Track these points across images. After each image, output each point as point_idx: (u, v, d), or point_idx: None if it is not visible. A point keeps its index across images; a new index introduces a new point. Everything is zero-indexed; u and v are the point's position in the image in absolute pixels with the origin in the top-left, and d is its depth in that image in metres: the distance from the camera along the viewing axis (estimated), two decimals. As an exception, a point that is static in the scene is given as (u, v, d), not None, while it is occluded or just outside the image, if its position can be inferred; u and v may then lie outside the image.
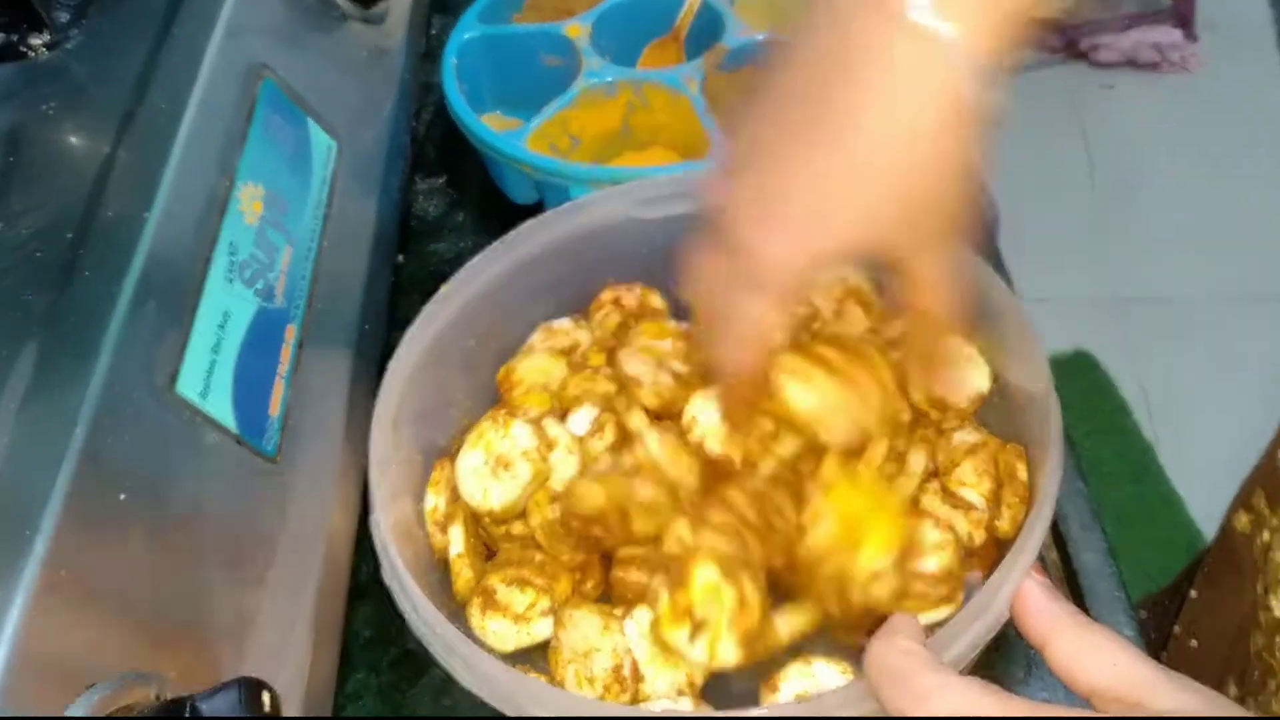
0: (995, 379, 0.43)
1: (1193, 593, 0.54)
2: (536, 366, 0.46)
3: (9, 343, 0.32)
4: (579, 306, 0.49)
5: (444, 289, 0.44)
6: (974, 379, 0.42)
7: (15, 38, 0.41)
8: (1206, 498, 1.48)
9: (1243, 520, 0.49)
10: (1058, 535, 0.44)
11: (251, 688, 0.28)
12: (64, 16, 0.42)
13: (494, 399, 0.47)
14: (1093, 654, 0.27)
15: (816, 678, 0.37)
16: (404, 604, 0.36)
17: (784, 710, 0.35)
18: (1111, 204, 1.76)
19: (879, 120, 0.30)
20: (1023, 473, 0.40)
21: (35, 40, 0.41)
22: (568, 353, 0.47)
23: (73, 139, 0.39)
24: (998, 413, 0.43)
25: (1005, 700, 0.26)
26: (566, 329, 0.48)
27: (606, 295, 0.49)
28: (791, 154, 0.31)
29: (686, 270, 0.35)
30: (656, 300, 0.49)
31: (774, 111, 0.32)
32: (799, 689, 0.37)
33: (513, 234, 0.46)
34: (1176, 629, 0.55)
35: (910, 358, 0.38)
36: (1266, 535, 0.47)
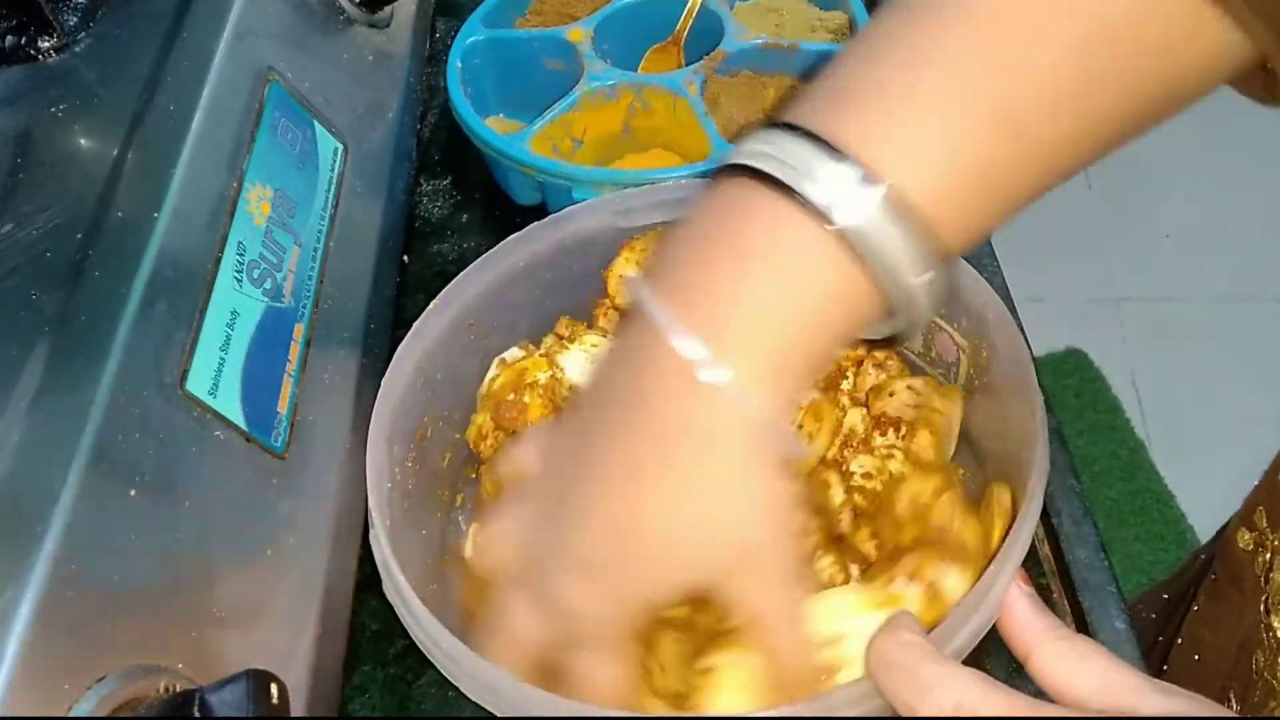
0: (982, 374, 0.44)
1: (1195, 606, 0.54)
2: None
3: (20, 342, 0.32)
4: (568, 315, 0.50)
5: (433, 305, 0.45)
6: None
7: (23, 40, 0.41)
8: (1198, 495, 1.49)
9: (1245, 538, 0.49)
10: (1050, 531, 0.44)
11: (259, 680, 0.28)
12: (72, 19, 0.42)
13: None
14: (1078, 665, 0.27)
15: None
16: (407, 618, 0.36)
17: (789, 711, 0.35)
18: (1105, 205, 1.77)
19: (685, 482, 0.28)
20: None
21: (44, 43, 0.41)
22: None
23: (82, 141, 0.39)
24: (983, 413, 0.44)
25: (1007, 694, 0.26)
26: (518, 358, 0.48)
27: (608, 301, 0.50)
28: (600, 513, 0.30)
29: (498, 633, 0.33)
30: None
31: (573, 459, 0.31)
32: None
33: (497, 249, 0.46)
34: (1179, 641, 0.55)
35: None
36: (1268, 555, 0.47)
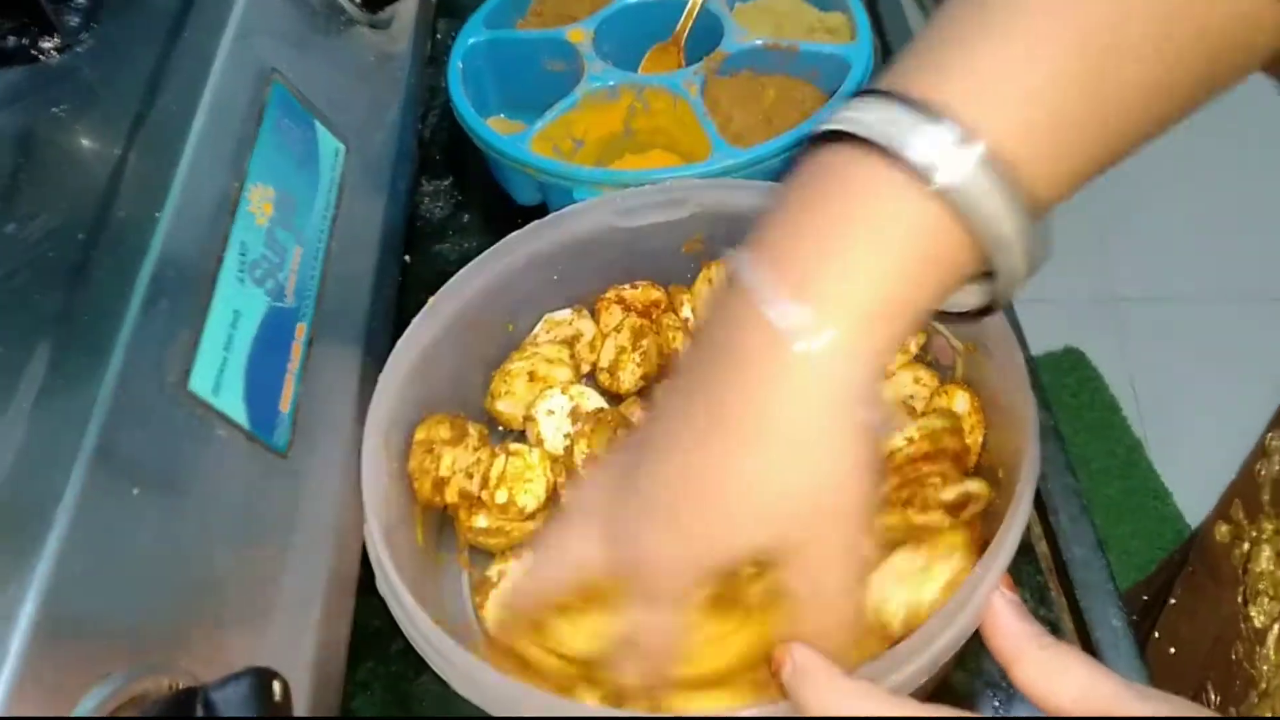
0: (977, 376, 0.44)
1: (1172, 599, 0.55)
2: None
3: (23, 342, 0.32)
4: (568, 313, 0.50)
5: (431, 301, 0.45)
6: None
7: (25, 41, 0.41)
8: (1194, 492, 1.48)
9: (1222, 530, 0.50)
10: (1048, 529, 0.44)
11: (262, 677, 0.28)
12: (74, 20, 0.42)
13: (480, 410, 0.48)
14: (1059, 674, 0.28)
15: None
16: (399, 614, 0.36)
17: (783, 710, 0.35)
18: (1102, 205, 1.77)
19: (771, 437, 0.29)
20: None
21: (45, 44, 0.41)
22: (570, 343, 0.48)
23: (84, 141, 0.39)
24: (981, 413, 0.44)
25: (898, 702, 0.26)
26: (569, 319, 0.49)
27: (611, 294, 0.50)
28: (684, 462, 0.30)
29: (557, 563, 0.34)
30: (659, 294, 0.50)
31: (665, 419, 0.32)
32: None
33: (497, 247, 0.47)
34: (1155, 635, 0.55)
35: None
36: (1246, 546, 0.48)
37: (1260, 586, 0.46)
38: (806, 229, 0.29)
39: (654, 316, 0.50)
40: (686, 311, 0.50)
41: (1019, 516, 0.34)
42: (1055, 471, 0.45)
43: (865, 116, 0.28)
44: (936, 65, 0.28)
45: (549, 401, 0.46)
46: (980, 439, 0.43)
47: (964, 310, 0.31)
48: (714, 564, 0.30)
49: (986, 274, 0.30)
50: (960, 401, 0.43)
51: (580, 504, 0.35)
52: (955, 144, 0.27)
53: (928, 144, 0.27)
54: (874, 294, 0.28)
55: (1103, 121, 0.28)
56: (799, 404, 0.29)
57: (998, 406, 0.42)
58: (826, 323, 0.28)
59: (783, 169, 0.53)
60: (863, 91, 0.29)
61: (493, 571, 0.43)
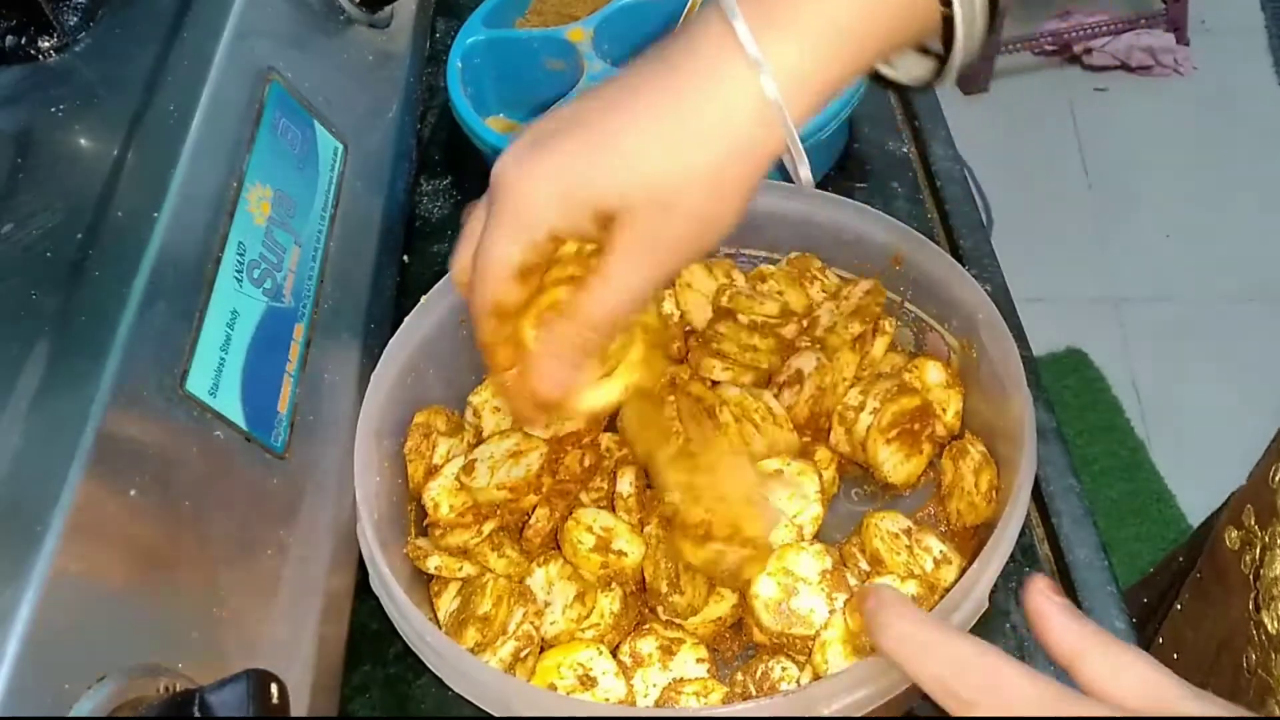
0: (972, 374, 0.44)
1: (1178, 605, 0.55)
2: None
3: (21, 342, 0.32)
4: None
5: (424, 300, 0.45)
6: None
7: (24, 40, 0.41)
8: (1197, 495, 1.48)
9: (1232, 536, 0.50)
10: (1051, 531, 0.44)
11: (259, 680, 0.28)
12: (72, 19, 0.42)
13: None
14: (1124, 672, 0.28)
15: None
16: (392, 611, 0.36)
17: (776, 708, 0.35)
18: (1105, 205, 1.77)
19: (679, 123, 0.31)
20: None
21: (44, 43, 0.41)
22: None
23: (82, 140, 0.39)
24: (976, 413, 0.44)
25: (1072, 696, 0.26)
26: None
27: None
28: (585, 118, 0.32)
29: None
30: None
31: (617, 81, 0.34)
32: None
33: None
34: (1160, 640, 0.55)
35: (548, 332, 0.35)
36: (1257, 551, 0.48)
37: (1275, 592, 0.46)
38: None
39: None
40: (669, 306, 0.50)
41: (1017, 510, 0.35)
42: (1058, 473, 0.45)
43: None
44: None
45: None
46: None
47: (914, 83, 0.34)
48: (576, 198, 0.31)
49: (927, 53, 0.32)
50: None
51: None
52: None
53: None
54: (830, 24, 0.30)
55: None
56: (730, 104, 0.31)
57: (992, 402, 0.42)
58: (778, 44, 0.30)
59: (783, 171, 0.53)
60: None
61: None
